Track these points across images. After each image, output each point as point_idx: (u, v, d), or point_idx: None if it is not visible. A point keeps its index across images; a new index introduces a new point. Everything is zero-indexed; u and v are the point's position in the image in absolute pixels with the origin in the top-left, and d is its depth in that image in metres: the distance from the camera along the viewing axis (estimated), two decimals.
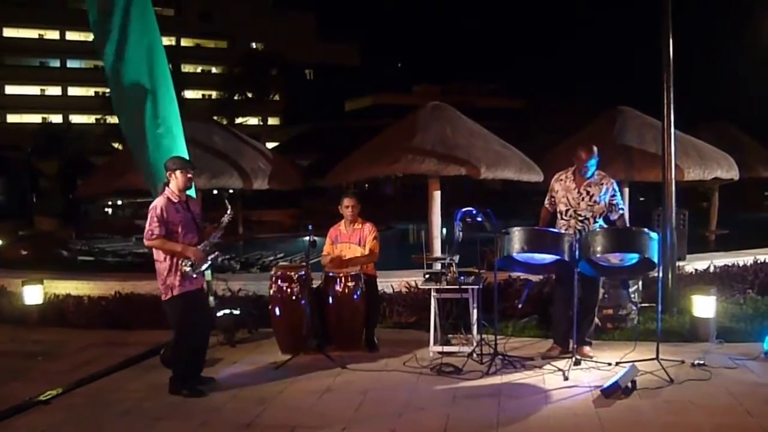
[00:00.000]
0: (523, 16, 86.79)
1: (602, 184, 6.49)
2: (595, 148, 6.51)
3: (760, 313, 7.78)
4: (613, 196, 6.52)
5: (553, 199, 6.70)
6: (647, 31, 9.43)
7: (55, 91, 59.05)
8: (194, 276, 5.71)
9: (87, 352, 7.19)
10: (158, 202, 5.68)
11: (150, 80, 7.08)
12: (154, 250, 5.72)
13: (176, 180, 5.76)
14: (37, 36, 58.17)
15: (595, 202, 6.45)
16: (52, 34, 58.51)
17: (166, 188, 5.78)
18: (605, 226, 6.47)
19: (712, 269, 9.19)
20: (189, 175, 5.83)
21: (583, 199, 6.47)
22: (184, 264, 5.65)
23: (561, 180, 6.65)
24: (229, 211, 6.04)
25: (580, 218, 6.47)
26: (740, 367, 5.98)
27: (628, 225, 6.52)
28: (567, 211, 6.53)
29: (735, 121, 15.63)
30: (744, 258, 9.61)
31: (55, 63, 59.69)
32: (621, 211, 6.57)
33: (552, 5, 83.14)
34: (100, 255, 14.95)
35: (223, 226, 5.98)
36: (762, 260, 9.53)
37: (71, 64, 59.02)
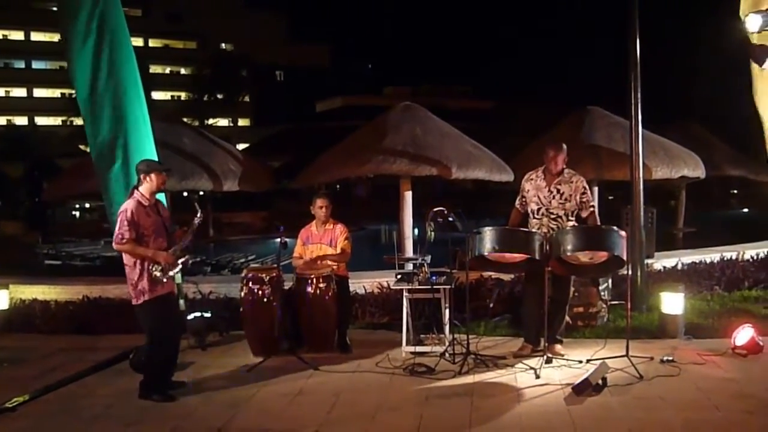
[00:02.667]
0: (491, 18, 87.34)
1: (572, 181, 6.54)
2: (563, 145, 6.58)
3: (727, 309, 7.91)
4: (584, 193, 6.57)
5: (524, 200, 6.72)
6: (614, 31, 9.52)
7: (20, 92, 58.16)
8: (164, 280, 5.64)
9: (54, 357, 7.07)
10: (128, 206, 5.57)
11: (117, 80, 6.99)
12: (123, 254, 5.63)
13: (151, 182, 5.64)
14: (1, 36, 57.19)
15: (566, 199, 6.49)
16: (17, 35, 57.61)
17: (136, 191, 5.67)
18: (576, 224, 6.52)
19: (680, 266, 9.31)
20: (164, 177, 5.76)
21: (554, 197, 6.52)
22: (154, 269, 5.57)
23: (531, 179, 6.69)
24: (198, 215, 5.93)
25: (552, 216, 6.51)
26: (708, 363, 6.07)
27: (599, 222, 6.55)
28: (539, 209, 6.57)
29: (701, 120, 15.87)
30: (711, 255, 9.77)
31: (20, 64, 58.73)
32: (591, 208, 6.61)
33: (519, 7, 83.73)
34: (67, 259, 14.78)
35: (193, 230, 5.89)
36: (728, 257, 9.70)
37: (36, 65, 58.17)
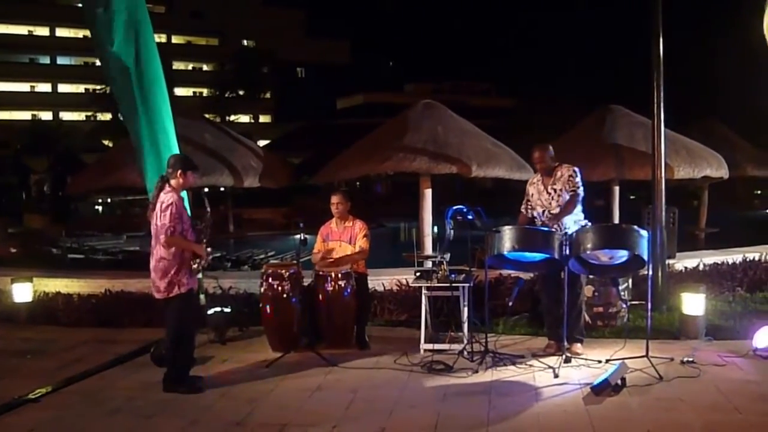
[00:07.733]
0: (515, 15, 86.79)
1: (562, 174, 6.52)
2: (548, 145, 6.63)
3: (749, 311, 7.83)
4: (569, 178, 6.47)
5: (529, 204, 6.74)
6: (637, 29, 9.45)
7: (45, 87, 58.74)
8: (199, 271, 5.74)
9: (77, 350, 7.17)
10: (173, 199, 5.58)
11: (142, 76, 7.05)
12: (159, 247, 5.61)
13: (184, 179, 5.71)
14: (26, 32, 57.83)
15: (560, 196, 6.50)
16: (42, 31, 58.18)
17: (167, 185, 5.69)
18: (583, 222, 6.49)
19: (701, 267, 9.22)
20: (195, 178, 5.89)
21: (553, 199, 6.53)
22: (195, 262, 5.65)
23: (534, 183, 6.74)
24: (207, 213, 5.91)
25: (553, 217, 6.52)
26: (729, 365, 6.02)
27: (571, 208, 6.45)
28: (543, 212, 6.60)
29: (724, 119, 15.68)
30: (733, 256, 9.66)
31: (45, 60, 59.32)
32: (572, 192, 6.42)
33: (543, 4, 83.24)
34: (90, 253, 14.89)
35: (209, 225, 5.94)
36: (751, 258, 9.59)
37: (61, 60, 58.70)
